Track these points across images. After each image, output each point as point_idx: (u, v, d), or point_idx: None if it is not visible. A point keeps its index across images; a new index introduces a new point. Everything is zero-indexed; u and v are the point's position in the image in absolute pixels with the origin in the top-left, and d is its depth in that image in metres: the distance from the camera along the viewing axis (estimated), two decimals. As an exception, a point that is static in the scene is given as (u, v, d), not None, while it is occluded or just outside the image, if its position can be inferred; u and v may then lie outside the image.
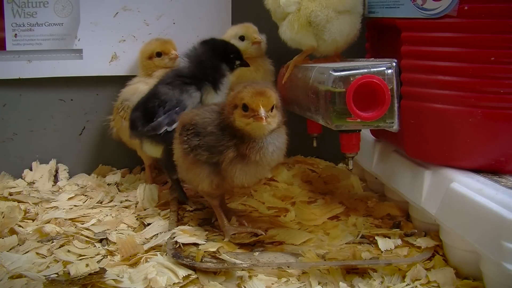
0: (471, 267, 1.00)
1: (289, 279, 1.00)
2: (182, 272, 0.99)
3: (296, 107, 1.35)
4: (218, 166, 1.08)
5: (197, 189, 1.16)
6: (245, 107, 1.02)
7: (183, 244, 1.09)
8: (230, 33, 1.47)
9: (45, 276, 0.99)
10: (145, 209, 1.32)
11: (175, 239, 1.10)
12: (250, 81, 1.13)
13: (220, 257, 1.05)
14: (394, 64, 1.07)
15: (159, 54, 1.47)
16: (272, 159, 1.07)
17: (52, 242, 1.13)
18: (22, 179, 1.51)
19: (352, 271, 1.03)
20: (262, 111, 1.00)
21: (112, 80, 1.54)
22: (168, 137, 1.24)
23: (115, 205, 1.36)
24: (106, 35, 1.51)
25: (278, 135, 1.07)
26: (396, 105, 1.06)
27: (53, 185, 1.50)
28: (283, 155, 1.10)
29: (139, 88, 1.44)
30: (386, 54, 1.17)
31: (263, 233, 1.14)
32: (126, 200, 1.39)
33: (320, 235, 1.18)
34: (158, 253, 1.08)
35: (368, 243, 1.14)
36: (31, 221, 1.25)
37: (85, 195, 1.42)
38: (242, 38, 1.45)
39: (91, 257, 1.06)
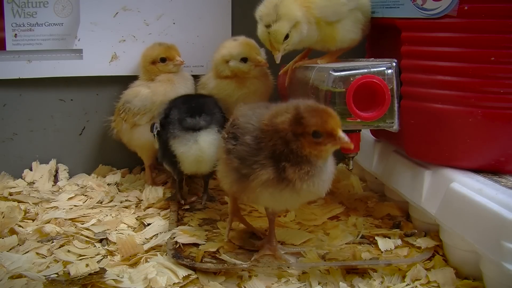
0: (471, 267, 1.00)
1: (289, 279, 1.00)
2: (182, 272, 0.99)
3: (296, 107, 1.34)
4: (244, 178, 0.95)
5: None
6: (317, 134, 0.88)
7: (183, 244, 1.09)
8: (230, 53, 1.37)
9: (45, 276, 0.98)
10: (148, 208, 1.33)
11: (175, 239, 1.10)
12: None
13: (220, 257, 1.05)
14: (394, 64, 1.07)
15: (163, 60, 1.44)
16: (318, 190, 0.93)
17: (52, 242, 1.13)
18: (22, 179, 1.51)
19: (352, 271, 1.03)
20: (342, 134, 0.87)
21: (112, 80, 1.53)
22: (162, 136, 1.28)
23: (115, 205, 1.36)
24: (106, 35, 1.51)
25: (332, 161, 0.96)
26: (396, 105, 1.06)
27: (53, 185, 1.50)
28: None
29: (141, 91, 1.44)
30: (386, 54, 1.17)
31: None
32: (126, 200, 1.39)
33: (320, 235, 1.18)
34: (158, 253, 1.08)
35: (368, 243, 1.14)
36: (31, 221, 1.25)
37: (85, 195, 1.42)
38: (244, 59, 1.36)
39: (91, 257, 1.06)
